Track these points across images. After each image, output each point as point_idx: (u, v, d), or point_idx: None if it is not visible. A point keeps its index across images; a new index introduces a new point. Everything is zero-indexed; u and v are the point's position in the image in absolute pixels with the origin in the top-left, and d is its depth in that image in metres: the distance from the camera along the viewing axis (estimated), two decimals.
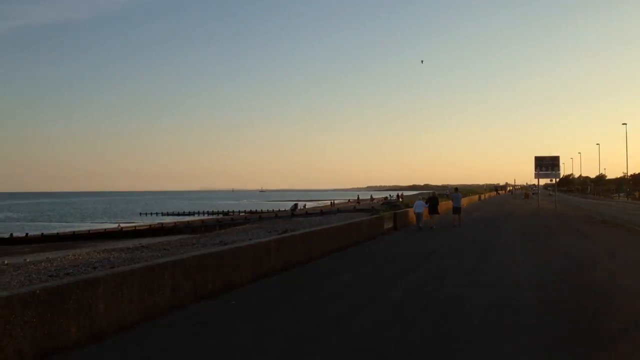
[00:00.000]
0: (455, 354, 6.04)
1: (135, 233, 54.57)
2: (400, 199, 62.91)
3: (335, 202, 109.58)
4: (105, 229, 58.49)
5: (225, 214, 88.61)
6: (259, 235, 29.65)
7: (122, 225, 63.09)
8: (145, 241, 40.45)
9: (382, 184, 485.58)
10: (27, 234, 53.72)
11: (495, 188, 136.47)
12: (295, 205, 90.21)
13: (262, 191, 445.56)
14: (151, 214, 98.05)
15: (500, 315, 7.82)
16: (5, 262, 28.77)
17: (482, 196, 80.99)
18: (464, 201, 35.76)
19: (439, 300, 8.92)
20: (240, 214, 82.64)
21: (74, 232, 56.70)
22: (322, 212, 67.45)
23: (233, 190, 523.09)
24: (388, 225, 23.62)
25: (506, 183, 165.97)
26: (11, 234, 53.08)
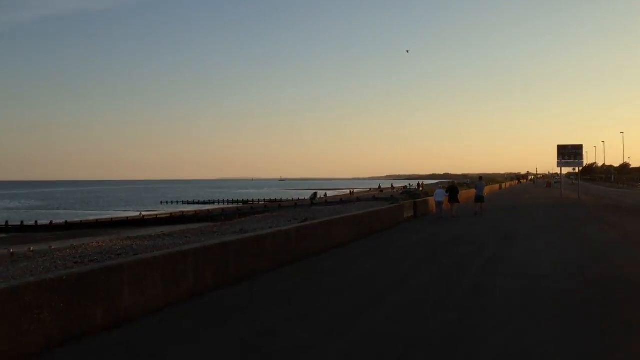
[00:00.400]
0: (479, 340, 6.01)
1: (157, 221, 55.30)
2: (421, 188, 62.62)
3: (355, 191, 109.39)
4: (127, 217, 59.36)
5: (245, 202, 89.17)
6: (279, 224, 29.78)
7: (144, 213, 63.87)
8: (167, 229, 41.01)
9: (402, 173, 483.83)
10: (51, 221, 54.73)
11: (517, 177, 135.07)
12: (315, 194, 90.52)
13: (282, 180, 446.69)
14: (172, 202, 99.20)
15: (524, 301, 7.74)
16: (31, 248, 29.45)
17: (503, 185, 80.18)
18: (485, 190, 35.36)
19: (463, 287, 8.86)
20: (260, 203, 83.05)
21: (97, 220, 57.70)
22: (341, 201, 67.53)
23: (253, 179, 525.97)
24: (408, 214, 23.52)
25: (527, 172, 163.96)
26: (36, 222, 54.14)
